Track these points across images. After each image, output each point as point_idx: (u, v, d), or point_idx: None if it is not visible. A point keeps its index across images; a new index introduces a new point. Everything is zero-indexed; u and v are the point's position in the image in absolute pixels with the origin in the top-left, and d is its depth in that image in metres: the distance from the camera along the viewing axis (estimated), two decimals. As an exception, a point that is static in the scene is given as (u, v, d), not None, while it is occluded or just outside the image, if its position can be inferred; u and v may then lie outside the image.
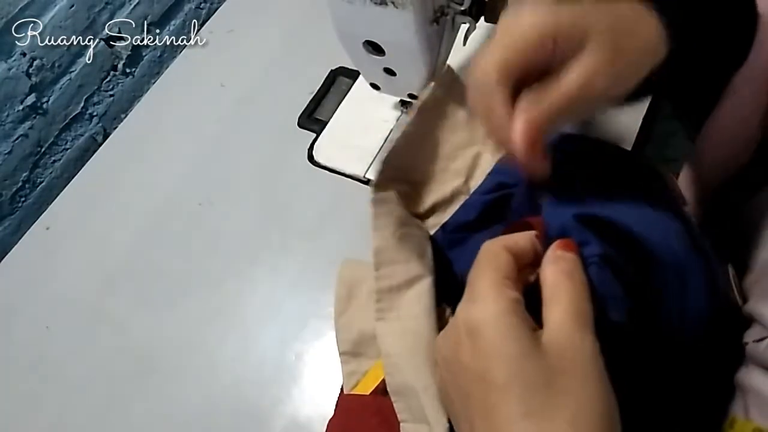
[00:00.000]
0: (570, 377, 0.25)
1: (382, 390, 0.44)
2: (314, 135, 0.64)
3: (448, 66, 0.51)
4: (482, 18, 0.47)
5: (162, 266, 0.60)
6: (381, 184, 0.46)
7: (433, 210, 0.51)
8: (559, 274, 0.29)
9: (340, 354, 0.48)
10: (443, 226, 0.49)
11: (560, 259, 0.29)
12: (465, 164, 0.51)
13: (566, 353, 0.26)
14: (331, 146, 0.63)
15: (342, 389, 0.47)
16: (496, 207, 0.44)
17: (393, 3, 0.41)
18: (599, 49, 0.29)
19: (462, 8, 0.46)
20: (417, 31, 0.43)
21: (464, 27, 0.48)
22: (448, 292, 0.44)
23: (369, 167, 0.60)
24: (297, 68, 0.71)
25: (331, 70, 0.69)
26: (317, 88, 0.68)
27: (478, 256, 0.30)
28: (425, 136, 0.50)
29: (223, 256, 0.59)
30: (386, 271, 0.43)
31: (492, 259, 0.29)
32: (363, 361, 0.47)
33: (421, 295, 0.43)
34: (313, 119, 0.66)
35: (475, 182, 0.50)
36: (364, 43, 0.48)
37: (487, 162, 0.50)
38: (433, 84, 0.50)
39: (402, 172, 0.48)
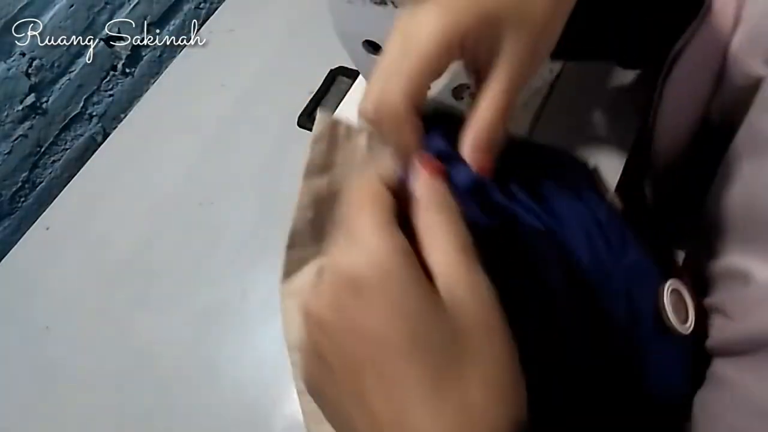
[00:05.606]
0: (474, 330, 0.22)
1: None
2: (314, 135, 0.64)
3: (321, 115, 0.41)
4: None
5: (162, 266, 0.60)
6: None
7: None
8: (434, 213, 0.24)
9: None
10: None
11: (432, 193, 0.25)
12: None
13: (464, 304, 0.22)
14: (331, 146, 0.63)
15: None
16: None
17: (393, 3, 0.41)
18: (516, 44, 0.27)
19: (462, 8, 0.46)
20: (417, 31, 0.43)
21: (464, 27, 0.48)
22: None
23: (369, 167, 0.60)
24: (297, 68, 0.71)
25: (331, 70, 0.69)
26: (317, 88, 0.68)
27: (355, 193, 0.25)
28: (328, 196, 0.43)
29: (223, 256, 0.59)
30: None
31: (375, 198, 0.24)
32: None
33: None
34: (313, 119, 0.66)
35: None
36: (364, 42, 0.48)
37: None
38: (310, 143, 0.41)
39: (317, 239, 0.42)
